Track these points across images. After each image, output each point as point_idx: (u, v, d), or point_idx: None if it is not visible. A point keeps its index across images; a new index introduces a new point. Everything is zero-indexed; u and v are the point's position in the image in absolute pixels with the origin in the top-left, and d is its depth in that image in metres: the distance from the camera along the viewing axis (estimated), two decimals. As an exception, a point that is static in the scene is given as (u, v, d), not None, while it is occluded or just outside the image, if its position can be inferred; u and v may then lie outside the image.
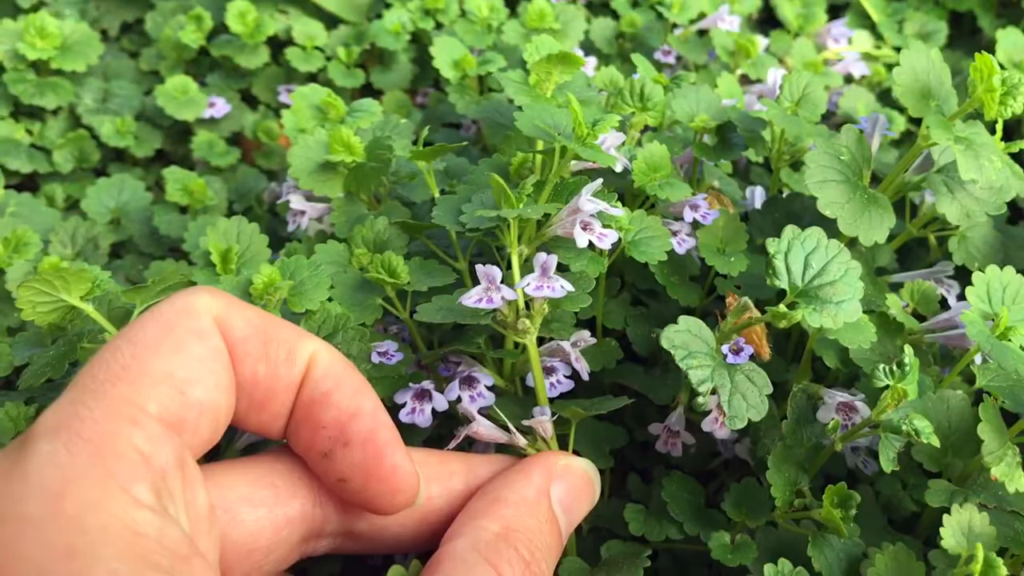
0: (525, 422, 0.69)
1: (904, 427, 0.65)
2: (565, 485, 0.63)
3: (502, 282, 0.69)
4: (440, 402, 0.74)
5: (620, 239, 0.79)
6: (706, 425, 0.74)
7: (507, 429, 0.69)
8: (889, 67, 1.25)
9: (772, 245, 0.70)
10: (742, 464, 0.87)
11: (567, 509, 0.62)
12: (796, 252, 0.70)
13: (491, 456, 0.66)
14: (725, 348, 0.71)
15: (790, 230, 0.71)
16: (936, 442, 0.65)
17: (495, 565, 0.54)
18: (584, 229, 0.76)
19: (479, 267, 0.68)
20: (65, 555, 0.43)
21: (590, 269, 0.78)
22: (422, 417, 0.74)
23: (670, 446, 0.80)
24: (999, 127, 0.83)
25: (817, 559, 0.70)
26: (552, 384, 0.77)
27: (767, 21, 1.41)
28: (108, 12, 1.39)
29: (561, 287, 0.69)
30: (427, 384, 0.75)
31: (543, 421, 0.68)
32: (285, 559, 0.59)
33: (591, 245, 0.75)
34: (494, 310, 0.70)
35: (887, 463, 0.68)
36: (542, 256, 0.69)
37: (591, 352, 0.85)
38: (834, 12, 1.40)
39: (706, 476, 0.91)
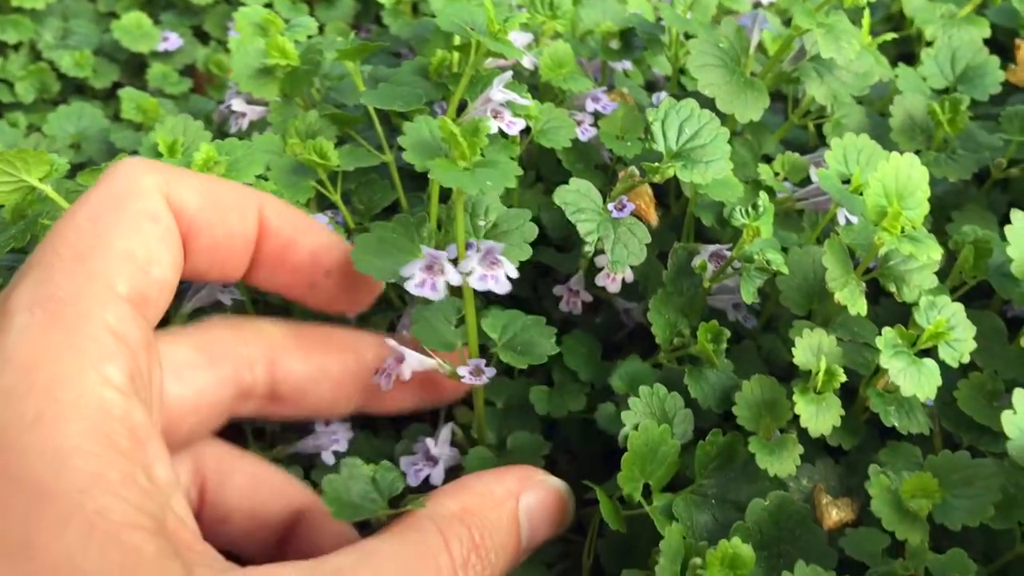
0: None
1: (758, 257, 0.75)
2: (536, 497, 0.65)
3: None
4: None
5: (531, 129, 0.88)
6: (599, 280, 0.84)
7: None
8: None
9: (651, 114, 0.80)
10: (645, 334, 0.96)
11: (532, 520, 0.64)
12: (672, 119, 0.80)
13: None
14: (611, 206, 0.80)
15: (667, 100, 0.80)
16: (785, 270, 0.75)
17: (446, 538, 0.56)
18: (495, 117, 0.85)
19: (426, 249, 0.67)
20: (33, 421, 0.46)
21: (501, 155, 0.87)
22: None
23: (571, 305, 0.90)
24: (865, 22, 0.94)
25: (693, 388, 0.80)
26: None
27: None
28: (65, -42, 1.47)
29: (505, 277, 0.68)
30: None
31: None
32: (220, 417, 0.66)
33: (501, 132, 0.84)
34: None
35: (748, 295, 0.78)
36: (486, 244, 0.68)
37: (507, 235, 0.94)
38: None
39: (614, 347, 1.01)
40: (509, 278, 0.68)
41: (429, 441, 0.79)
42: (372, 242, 0.69)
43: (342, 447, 0.82)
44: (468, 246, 0.68)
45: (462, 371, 0.74)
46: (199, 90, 1.37)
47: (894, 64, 1.25)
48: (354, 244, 0.69)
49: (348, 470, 0.65)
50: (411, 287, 0.66)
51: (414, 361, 0.72)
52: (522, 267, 0.71)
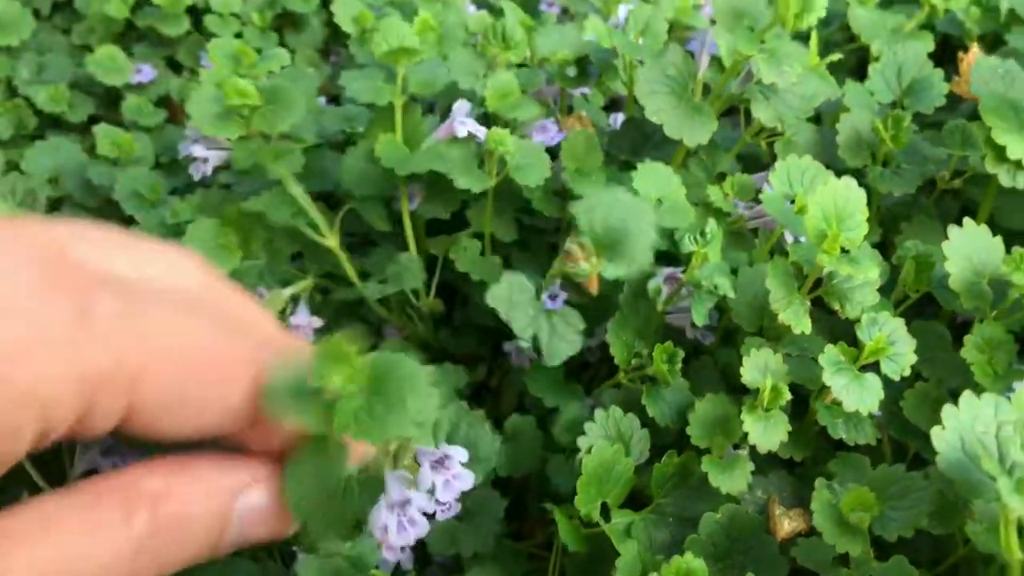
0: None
1: (705, 283, 0.78)
2: (258, 498, 0.57)
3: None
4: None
5: (506, 162, 0.92)
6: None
7: None
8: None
9: (577, 208, 0.80)
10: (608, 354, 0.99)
11: (246, 520, 0.56)
12: (597, 213, 0.80)
13: None
14: (544, 296, 0.83)
15: (593, 195, 0.82)
16: (732, 293, 0.79)
17: (130, 515, 0.51)
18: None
19: (390, 475, 0.59)
20: None
21: (474, 186, 0.91)
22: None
23: (521, 360, 0.94)
24: (813, 42, 0.97)
25: (651, 407, 0.83)
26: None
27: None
28: (38, -9, 1.50)
29: (461, 466, 0.63)
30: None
31: None
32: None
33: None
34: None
35: (699, 317, 0.81)
36: (423, 451, 0.62)
37: (478, 264, 0.97)
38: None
39: (581, 366, 1.04)
40: (463, 464, 0.63)
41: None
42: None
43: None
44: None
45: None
46: (174, 119, 1.40)
47: (854, 72, 1.29)
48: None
49: None
50: (394, 541, 0.59)
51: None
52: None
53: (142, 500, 0.51)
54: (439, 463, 0.62)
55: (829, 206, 0.76)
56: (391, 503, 0.59)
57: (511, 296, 0.82)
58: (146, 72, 1.38)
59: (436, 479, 0.61)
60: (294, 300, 0.97)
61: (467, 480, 0.62)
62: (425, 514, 0.60)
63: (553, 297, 0.82)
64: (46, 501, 0.50)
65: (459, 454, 0.62)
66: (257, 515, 0.57)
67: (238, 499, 0.56)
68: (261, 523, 0.57)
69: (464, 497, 0.71)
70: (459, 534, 0.82)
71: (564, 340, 0.81)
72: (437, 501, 0.61)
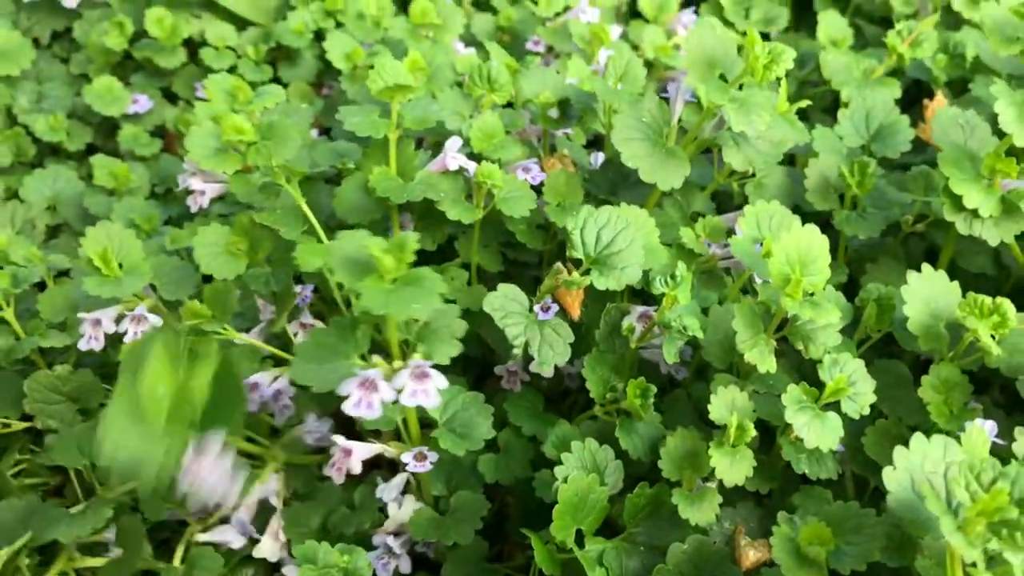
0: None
1: (675, 324, 0.82)
2: None
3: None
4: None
5: (494, 195, 0.96)
6: (533, 367, 0.90)
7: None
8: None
9: (571, 222, 0.87)
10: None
11: None
12: (590, 227, 0.86)
13: None
14: (537, 307, 0.87)
15: (586, 209, 0.87)
16: (700, 334, 0.83)
17: None
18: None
19: (361, 372, 0.71)
20: None
21: (464, 217, 0.96)
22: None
23: (511, 383, 0.98)
24: (783, 89, 1.01)
25: (624, 440, 0.87)
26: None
27: (635, 13, 1.58)
28: (39, 22, 1.53)
29: (435, 390, 0.72)
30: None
31: None
32: None
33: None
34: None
35: (670, 356, 0.85)
36: (414, 362, 0.72)
37: (465, 293, 1.02)
38: (693, 3, 1.58)
39: (561, 395, 1.08)
40: (439, 389, 0.72)
41: (389, 539, 0.88)
42: (311, 348, 0.74)
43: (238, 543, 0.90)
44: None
45: (406, 458, 0.80)
46: (169, 148, 1.44)
47: (828, 110, 1.33)
48: (295, 353, 0.73)
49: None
50: (348, 407, 0.70)
51: (362, 452, 0.78)
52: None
53: None
54: (420, 375, 0.72)
55: (793, 252, 0.80)
56: (363, 379, 0.70)
57: (506, 305, 0.86)
58: (142, 102, 1.42)
59: (409, 384, 0.71)
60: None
61: (432, 400, 0.72)
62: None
63: (545, 309, 0.86)
64: None
65: (440, 381, 0.72)
66: None
67: None
68: None
69: (452, 495, 0.90)
70: (444, 526, 0.88)
71: (554, 349, 0.86)
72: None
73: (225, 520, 0.91)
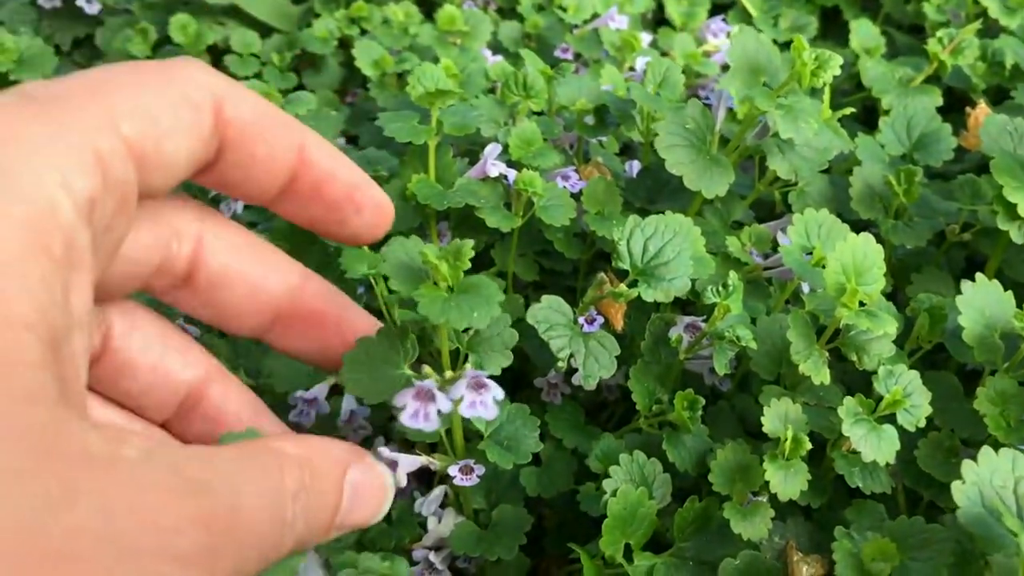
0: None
1: (728, 334, 0.80)
2: (363, 475, 0.62)
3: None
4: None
5: (533, 203, 0.94)
6: (575, 379, 0.88)
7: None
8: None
9: (617, 232, 0.85)
10: (628, 394, 1.02)
11: (354, 494, 0.61)
12: (637, 237, 0.84)
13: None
14: (581, 319, 0.85)
15: (632, 219, 0.85)
16: (754, 345, 0.81)
17: (283, 471, 0.55)
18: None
19: (417, 382, 0.69)
20: None
21: (503, 224, 0.94)
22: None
23: (551, 396, 0.96)
24: (826, 96, 0.99)
25: (671, 453, 0.85)
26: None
27: (660, 21, 1.57)
28: (60, 29, 1.52)
29: (492, 401, 0.69)
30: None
31: None
32: (136, 283, 0.62)
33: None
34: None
35: (720, 367, 0.83)
36: (472, 372, 0.70)
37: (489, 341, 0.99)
38: (720, 10, 1.57)
39: (599, 406, 1.06)
40: (496, 401, 0.69)
41: (431, 555, 0.86)
42: (360, 358, 0.71)
43: None
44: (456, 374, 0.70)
45: (452, 471, 0.78)
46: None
47: (861, 120, 1.32)
48: (344, 363, 0.71)
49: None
50: (405, 419, 0.68)
51: (407, 463, 0.76)
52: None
53: (289, 459, 0.56)
54: (478, 385, 0.69)
55: (848, 261, 0.79)
56: (419, 390, 0.68)
57: (550, 317, 0.84)
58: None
59: (467, 395, 0.68)
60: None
61: (491, 412, 0.69)
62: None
63: (590, 321, 0.84)
64: (214, 448, 0.53)
65: (497, 392, 0.69)
66: (362, 490, 0.62)
67: (348, 474, 0.61)
68: (361, 502, 0.62)
69: (492, 508, 0.88)
70: (486, 540, 0.86)
71: (599, 362, 0.84)
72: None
73: None
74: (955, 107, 1.20)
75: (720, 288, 0.81)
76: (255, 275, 0.67)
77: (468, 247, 0.66)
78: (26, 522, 0.39)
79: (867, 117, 1.36)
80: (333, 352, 0.72)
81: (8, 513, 0.39)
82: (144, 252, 0.60)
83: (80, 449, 0.43)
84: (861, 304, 0.79)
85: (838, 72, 0.90)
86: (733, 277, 0.82)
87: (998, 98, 1.24)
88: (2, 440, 0.40)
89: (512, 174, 0.95)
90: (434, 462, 0.81)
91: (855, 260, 0.79)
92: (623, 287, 0.83)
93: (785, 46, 0.94)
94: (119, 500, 0.43)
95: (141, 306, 0.66)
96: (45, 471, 0.41)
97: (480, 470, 0.80)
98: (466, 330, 0.76)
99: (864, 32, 1.33)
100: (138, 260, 0.60)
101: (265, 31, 1.48)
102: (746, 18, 1.52)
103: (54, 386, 0.44)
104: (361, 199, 0.68)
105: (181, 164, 0.55)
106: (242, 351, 1.00)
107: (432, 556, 0.87)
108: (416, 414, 0.68)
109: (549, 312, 0.85)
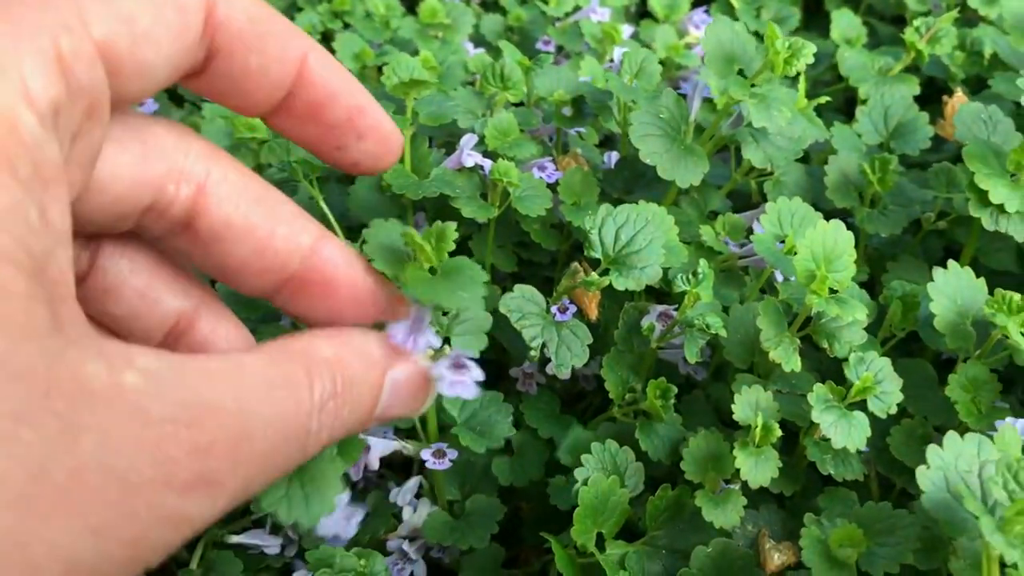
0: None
1: (698, 322, 0.80)
2: (405, 374, 0.61)
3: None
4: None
5: (509, 194, 0.94)
6: (549, 369, 0.88)
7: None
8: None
9: (588, 221, 0.85)
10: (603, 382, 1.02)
11: (394, 393, 0.60)
12: (608, 226, 0.85)
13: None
14: (554, 308, 0.86)
15: (604, 208, 0.85)
16: (724, 333, 0.81)
17: (311, 378, 0.53)
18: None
19: (414, 308, 0.64)
20: None
21: (478, 215, 0.94)
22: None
23: (527, 385, 0.96)
24: (801, 85, 0.99)
25: (644, 442, 0.85)
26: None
27: (644, 13, 1.57)
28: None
29: (474, 382, 0.66)
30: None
31: None
32: (125, 220, 0.57)
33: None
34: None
35: (691, 355, 0.83)
36: (454, 351, 0.67)
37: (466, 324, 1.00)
38: (704, 2, 1.57)
39: (576, 396, 1.06)
40: (477, 381, 0.67)
41: (404, 544, 0.86)
42: None
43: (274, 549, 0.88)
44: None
45: (425, 455, 0.79)
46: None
47: (841, 110, 1.32)
48: None
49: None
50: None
51: (380, 446, 0.77)
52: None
53: (320, 365, 0.54)
54: (459, 365, 0.66)
55: (818, 248, 0.79)
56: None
57: (523, 306, 0.84)
58: (149, 105, 1.40)
59: (448, 374, 0.65)
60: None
61: (471, 391, 0.66)
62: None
63: (563, 310, 0.85)
64: (236, 355, 0.52)
65: (477, 372, 0.66)
66: (403, 389, 0.60)
67: (389, 373, 0.59)
68: (401, 399, 0.60)
69: (466, 499, 0.88)
70: (459, 529, 0.86)
71: (571, 351, 0.84)
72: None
73: (259, 523, 0.89)
74: (935, 96, 1.20)
75: (690, 276, 0.81)
76: (262, 232, 0.60)
77: (451, 229, 0.65)
78: (28, 467, 0.39)
79: (848, 107, 1.36)
80: (346, 322, 0.65)
81: (9, 459, 0.38)
82: (131, 187, 0.55)
83: (79, 385, 0.42)
84: (832, 291, 0.79)
85: (811, 60, 0.90)
86: (703, 265, 0.82)
87: (977, 87, 1.24)
88: None
89: (488, 164, 0.95)
90: (408, 446, 0.81)
91: (825, 247, 0.79)
92: (595, 276, 0.83)
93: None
94: (120, 433, 0.42)
95: (134, 235, 0.61)
96: (44, 411, 0.40)
97: (453, 454, 0.80)
98: (445, 313, 0.76)
99: (845, 22, 1.33)
100: (129, 198, 0.55)
101: (248, 25, 1.48)
102: (729, 10, 1.52)
103: (45, 316, 0.42)
104: (364, 125, 0.62)
105: (160, 71, 0.51)
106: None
107: (406, 546, 0.88)
108: (407, 339, 0.63)
109: (522, 301, 0.85)
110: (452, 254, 1.04)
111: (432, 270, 0.66)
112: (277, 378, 0.51)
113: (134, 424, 0.43)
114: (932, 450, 0.67)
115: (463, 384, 0.66)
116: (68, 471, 0.40)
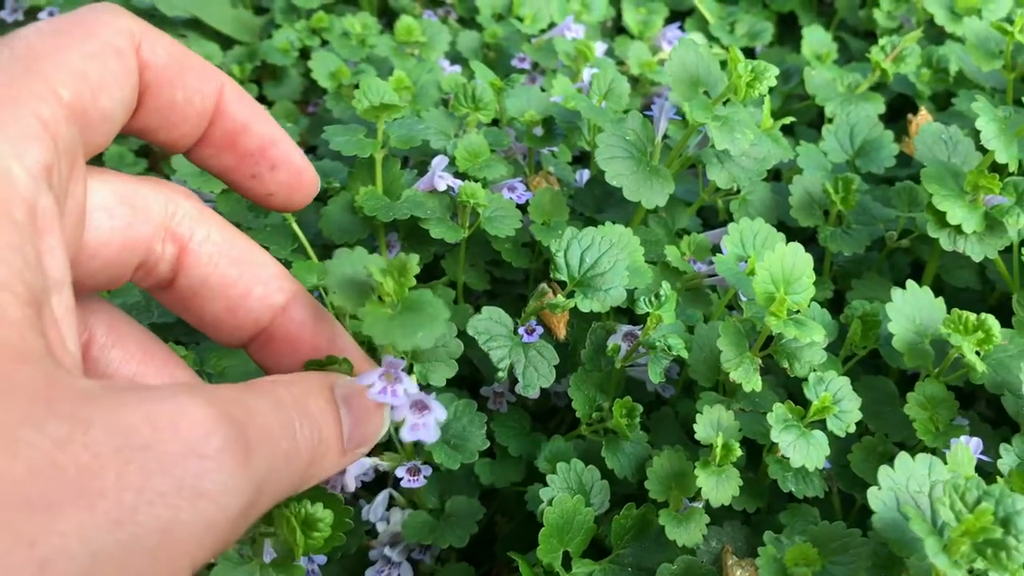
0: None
1: (659, 344, 0.82)
2: (346, 389, 0.62)
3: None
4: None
5: (478, 215, 0.96)
6: (518, 389, 0.89)
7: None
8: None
9: (554, 244, 0.86)
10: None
11: (350, 409, 0.61)
12: (574, 249, 0.86)
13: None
14: (521, 330, 0.87)
15: (569, 231, 0.87)
16: (685, 354, 0.82)
17: (301, 414, 0.55)
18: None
19: (386, 357, 0.66)
20: None
21: (448, 236, 0.95)
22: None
23: (498, 404, 0.97)
24: (766, 107, 1.01)
25: (610, 460, 0.87)
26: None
27: (621, 29, 1.59)
28: None
29: (435, 423, 0.66)
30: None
31: None
32: (116, 280, 0.61)
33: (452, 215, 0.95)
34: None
35: (655, 376, 0.85)
36: (414, 394, 0.66)
37: (452, 312, 1.01)
38: (679, 17, 1.58)
39: (548, 412, 1.08)
40: (439, 423, 0.67)
41: (386, 550, 0.88)
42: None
43: None
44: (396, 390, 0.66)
45: (400, 472, 0.80)
46: (155, 169, 1.44)
47: (814, 124, 1.34)
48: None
49: None
50: (373, 394, 0.64)
51: (355, 468, 0.78)
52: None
53: (343, 390, 0.60)
54: (419, 407, 0.67)
55: (777, 270, 0.80)
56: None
57: (490, 328, 0.86)
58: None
59: (409, 417, 0.66)
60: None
61: (432, 435, 0.66)
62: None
63: (530, 332, 0.86)
64: (277, 382, 0.56)
65: (439, 413, 0.67)
66: (354, 402, 0.62)
67: (335, 391, 0.62)
68: (359, 413, 0.62)
69: (448, 499, 0.90)
70: (437, 529, 0.87)
71: (539, 372, 0.85)
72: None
73: None
74: (903, 113, 1.22)
75: (652, 298, 0.83)
76: (237, 291, 0.64)
77: (414, 262, 0.64)
78: (36, 466, 0.39)
79: (821, 122, 1.38)
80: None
81: (15, 460, 0.38)
82: (120, 252, 0.58)
83: (79, 393, 0.43)
84: (792, 313, 0.81)
85: (773, 83, 0.91)
86: (666, 287, 0.83)
87: (945, 103, 1.26)
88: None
89: (458, 185, 0.96)
90: (382, 464, 0.83)
91: (784, 269, 0.80)
92: (561, 298, 0.85)
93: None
94: (134, 419, 0.43)
95: (124, 315, 0.65)
96: (49, 416, 0.41)
97: (427, 471, 0.81)
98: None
99: (815, 38, 1.35)
100: (120, 259, 0.59)
101: (226, 43, 1.49)
102: (703, 25, 1.54)
103: (39, 343, 0.43)
104: (276, 155, 0.66)
105: (118, 114, 0.55)
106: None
107: (388, 551, 0.89)
108: (383, 391, 0.65)
109: (490, 323, 0.87)
110: (426, 272, 1.07)
111: (395, 303, 0.65)
112: (313, 404, 0.58)
113: (149, 408, 0.44)
114: (883, 471, 0.69)
115: (425, 427, 0.67)
116: (80, 466, 0.40)
